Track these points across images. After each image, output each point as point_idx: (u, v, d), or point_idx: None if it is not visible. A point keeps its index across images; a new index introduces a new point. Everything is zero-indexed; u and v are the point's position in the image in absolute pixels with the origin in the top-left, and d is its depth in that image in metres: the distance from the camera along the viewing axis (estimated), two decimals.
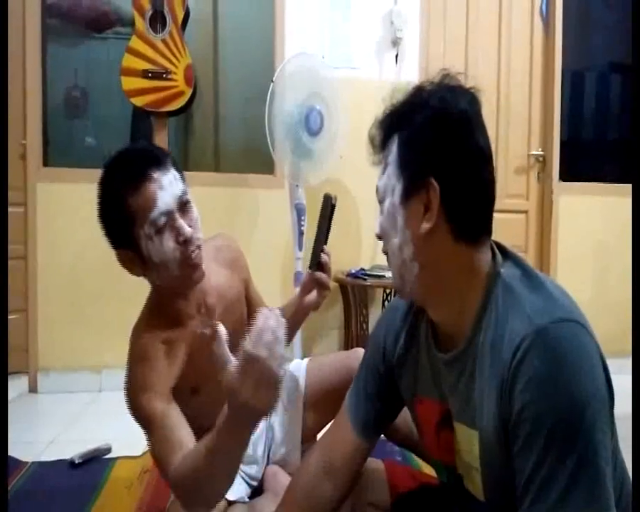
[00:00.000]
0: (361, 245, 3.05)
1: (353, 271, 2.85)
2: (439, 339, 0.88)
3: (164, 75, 2.73)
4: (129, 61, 2.71)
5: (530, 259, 3.28)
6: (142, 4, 2.72)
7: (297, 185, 2.68)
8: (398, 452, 1.85)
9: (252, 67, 3.18)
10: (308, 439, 1.42)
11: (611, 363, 0.73)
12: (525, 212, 3.36)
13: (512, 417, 0.71)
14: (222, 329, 0.80)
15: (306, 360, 1.52)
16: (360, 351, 1.35)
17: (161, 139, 2.87)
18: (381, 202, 0.87)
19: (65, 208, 2.75)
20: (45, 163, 2.81)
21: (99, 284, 2.77)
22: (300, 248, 2.70)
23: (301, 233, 2.69)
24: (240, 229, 2.84)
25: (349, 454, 0.98)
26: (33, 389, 2.74)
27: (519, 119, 3.31)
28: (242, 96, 3.22)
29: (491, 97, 3.19)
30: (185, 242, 1.08)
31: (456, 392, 0.83)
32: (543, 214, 3.34)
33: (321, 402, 1.40)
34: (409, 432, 1.28)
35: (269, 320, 0.75)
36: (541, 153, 3.32)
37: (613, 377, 0.72)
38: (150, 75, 2.71)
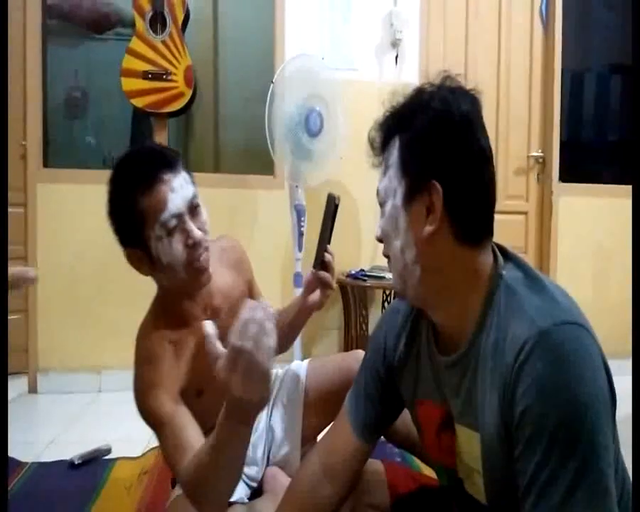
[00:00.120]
0: (361, 246, 3.05)
1: (353, 272, 2.85)
2: (441, 341, 0.88)
3: (164, 76, 2.73)
4: (130, 62, 2.71)
5: (529, 260, 3.28)
6: (142, 5, 2.72)
7: (297, 186, 2.68)
8: (398, 454, 1.85)
9: (252, 69, 3.18)
10: (308, 440, 1.42)
11: (610, 364, 0.73)
12: (525, 213, 3.36)
13: (514, 419, 0.71)
14: (209, 326, 0.79)
15: (306, 361, 1.52)
16: (360, 352, 1.35)
17: (161, 140, 2.87)
18: (382, 204, 0.86)
19: (65, 208, 2.76)
20: (46, 164, 2.81)
21: (99, 285, 2.77)
22: (300, 249, 2.70)
23: (300, 234, 2.70)
24: (239, 230, 2.84)
25: (349, 456, 0.98)
26: (32, 389, 2.73)
27: (519, 120, 3.31)
28: (242, 97, 3.23)
29: (490, 98, 3.19)
30: (194, 245, 1.08)
31: (457, 394, 0.83)
32: (543, 215, 3.34)
33: (321, 403, 1.40)
34: (409, 433, 1.28)
35: (255, 311, 0.75)
36: (541, 154, 3.32)
37: (613, 378, 0.72)
38: (150, 76, 2.72)
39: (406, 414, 1.01)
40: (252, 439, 1.26)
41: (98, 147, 3.14)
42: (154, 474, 1.82)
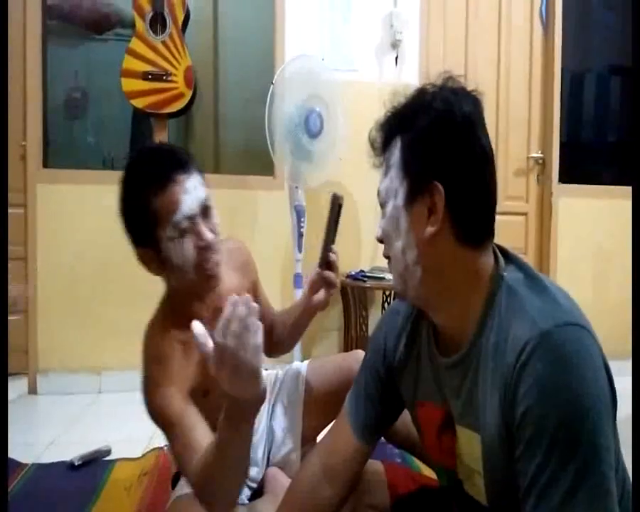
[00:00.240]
0: (361, 247, 3.05)
1: (353, 273, 2.85)
2: (441, 343, 0.88)
3: (164, 77, 2.73)
4: (130, 63, 2.71)
5: (529, 260, 3.28)
6: (142, 6, 2.72)
7: (297, 187, 2.69)
8: (398, 454, 1.85)
9: (251, 69, 3.18)
10: (308, 440, 1.42)
11: (610, 365, 0.73)
12: (525, 214, 3.36)
13: (515, 420, 0.71)
14: (197, 327, 0.78)
15: (306, 361, 1.52)
16: (360, 353, 1.35)
17: (161, 140, 2.87)
18: (383, 205, 0.86)
19: (65, 209, 2.75)
20: (45, 165, 2.81)
21: (99, 285, 2.77)
22: (300, 250, 2.70)
23: (300, 235, 2.70)
24: (239, 230, 2.84)
25: (349, 457, 0.98)
26: (32, 390, 2.73)
27: (519, 121, 3.31)
28: (242, 98, 3.23)
29: (490, 99, 3.19)
30: (205, 248, 1.09)
31: (458, 395, 0.83)
32: (543, 216, 3.34)
33: (321, 404, 1.40)
34: (409, 433, 1.28)
35: (237, 308, 0.74)
36: (541, 155, 3.32)
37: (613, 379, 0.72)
38: (150, 76, 2.72)
39: (406, 415, 1.01)
40: (253, 439, 1.26)
41: (98, 148, 3.14)
42: (154, 475, 1.82)
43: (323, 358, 1.57)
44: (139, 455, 1.98)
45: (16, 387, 2.69)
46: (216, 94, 3.23)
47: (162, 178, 1.06)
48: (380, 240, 0.88)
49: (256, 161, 3.03)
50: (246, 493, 1.33)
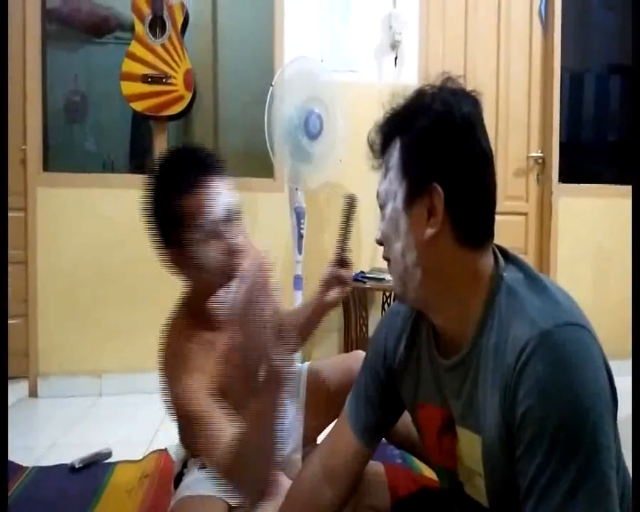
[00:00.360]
0: (361, 248, 3.05)
1: (353, 274, 2.84)
2: (441, 344, 0.88)
3: (164, 80, 2.74)
4: (129, 66, 2.71)
5: (529, 261, 3.27)
6: (142, 9, 2.73)
7: (297, 189, 2.69)
8: (399, 455, 1.85)
9: (251, 71, 3.18)
10: (309, 441, 1.42)
11: (610, 365, 0.73)
12: (525, 214, 3.36)
13: (515, 420, 0.71)
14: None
15: (306, 363, 1.52)
16: (360, 353, 1.35)
17: (161, 143, 2.87)
18: (382, 207, 0.86)
19: (64, 212, 2.75)
20: (45, 168, 2.81)
21: (99, 289, 2.77)
22: (300, 251, 2.70)
23: (300, 236, 2.70)
24: None
25: (349, 459, 0.98)
26: (33, 393, 2.73)
27: (518, 121, 3.31)
28: (241, 100, 3.23)
29: (490, 100, 3.19)
30: (232, 252, 1.10)
31: (458, 397, 0.83)
32: (543, 216, 3.34)
33: (322, 405, 1.40)
34: (409, 434, 1.28)
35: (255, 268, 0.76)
36: (540, 155, 3.32)
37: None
38: (150, 79, 2.72)
39: (406, 415, 1.01)
40: None
41: (98, 151, 3.14)
42: (155, 477, 1.81)
43: (323, 360, 1.57)
44: (140, 457, 1.98)
45: (16, 391, 2.69)
46: (216, 97, 3.23)
47: (193, 180, 1.08)
48: (380, 242, 0.88)
49: (256, 163, 3.02)
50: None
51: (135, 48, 2.72)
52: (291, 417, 1.43)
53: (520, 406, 0.70)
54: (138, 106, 2.74)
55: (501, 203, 3.22)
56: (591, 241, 3.27)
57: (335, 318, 3.03)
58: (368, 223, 2.99)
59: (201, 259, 1.09)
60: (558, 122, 3.27)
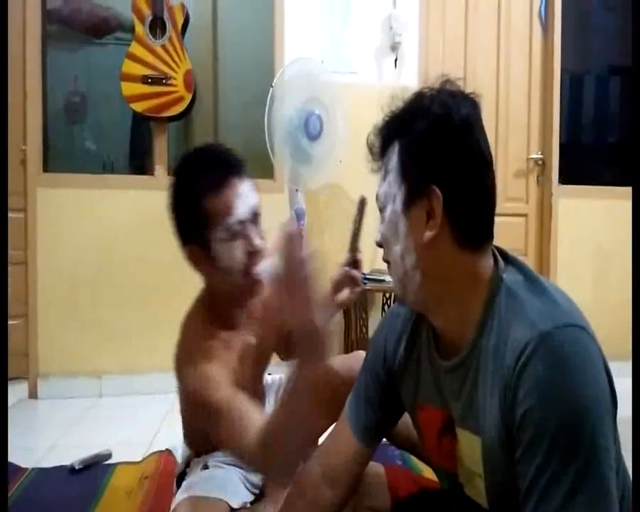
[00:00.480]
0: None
1: None
2: (441, 346, 0.88)
3: (164, 81, 2.74)
4: (129, 67, 2.71)
5: (529, 262, 3.28)
6: (142, 10, 2.73)
7: (297, 190, 2.69)
8: (399, 456, 1.85)
9: (251, 72, 3.18)
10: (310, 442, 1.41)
11: (610, 366, 0.73)
12: (525, 215, 3.36)
13: (515, 421, 0.71)
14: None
15: None
16: (361, 353, 1.35)
17: (161, 144, 2.87)
18: (382, 210, 0.86)
19: (64, 213, 2.75)
20: (45, 169, 2.81)
21: (99, 290, 2.77)
22: None
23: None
24: None
25: (349, 460, 0.98)
26: (32, 394, 2.73)
27: (518, 122, 3.31)
28: (241, 101, 3.23)
29: (490, 101, 3.19)
30: (254, 253, 1.12)
31: (458, 398, 0.83)
32: (543, 217, 3.34)
33: (323, 406, 1.40)
34: (409, 434, 1.28)
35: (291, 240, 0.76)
36: (540, 156, 3.32)
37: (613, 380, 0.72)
38: (150, 80, 2.72)
39: (407, 415, 1.01)
40: None
41: (98, 152, 3.14)
42: (155, 479, 1.81)
43: None
44: (140, 459, 1.97)
45: (16, 392, 2.68)
46: (216, 98, 3.23)
47: (219, 181, 1.09)
48: (380, 245, 0.88)
49: (256, 164, 3.02)
50: (249, 498, 1.33)
51: (135, 48, 2.73)
52: None
53: (519, 407, 0.70)
54: (138, 107, 2.74)
55: (501, 205, 3.22)
56: (591, 242, 3.27)
57: (335, 319, 3.02)
58: (368, 224, 2.98)
59: (224, 259, 1.11)
60: (558, 124, 3.27)
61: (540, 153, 3.33)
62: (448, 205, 0.77)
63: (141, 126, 3.04)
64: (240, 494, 1.26)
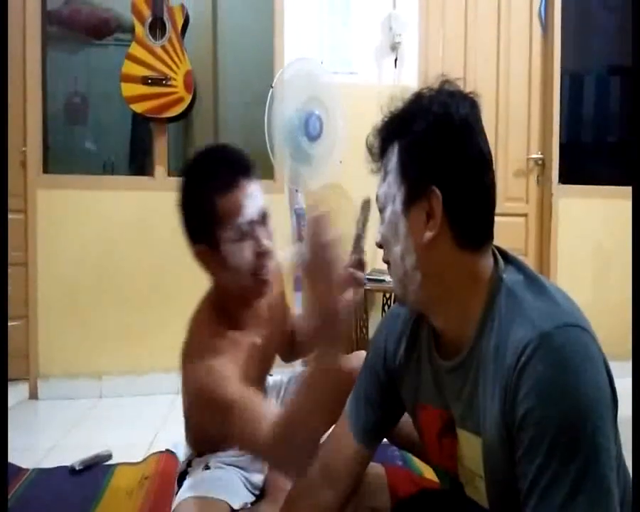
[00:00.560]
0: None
1: None
2: (441, 346, 0.88)
3: (164, 82, 2.74)
4: (129, 68, 2.71)
5: (529, 262, 3.28)
6: (142, 11, 2.73)
7: (297, 190, 2.69)
8: (399, 457, 1.85)
9: (251, 73, 3.18)
10: None
11: (611, 366, 0.73)
12: (525, 215, 3.36)
13: (515, 422, 0.71)
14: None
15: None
16: (361, 353, 1.35)
17: (161, 145, 2.87)
18: (381, 210, 0.86)
19: (65, 214, 2.75)
20: (45, 170, 2.81)
21: (99, 291, 2.77)
22: None
23: (300, 238, 2.70)
24: None
25: (349, 460, 0.98)
26: (33, 395, 2.73)
27: (518, 122, 3.31)
28: (241, 101, 3.23)
29: (490, 101, 3.19)
30: (262, 254, 1.13)
31: (459, 398, 0.83)
32: (543, 217, 3.34)
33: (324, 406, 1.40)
34: (409, 433, 1.28)
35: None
36: (540, 156, 3.32)
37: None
38: (150, 81, 2.72)
39: (406, 415, 1.01)
40: None
41: (98, 153, 3.15)
42: (155, 479, 1.81)
43: None
44: (140, 459, 1.97)
45: (16, 393, 2.68)
46: (216, 98, 3.23)
47: (229, 181, 1.11)
48: (380, 245, 0.88)
49: (256, 164, 3.02)
50: (250, 499, 1.33)
51: (135, 49, 2.73)
52: None
53: (520, 407, 0.70)
54: (138, 107, 2.74)
55: (501, 205, 3.22)
56: (591, 242, 3.27)
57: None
58: (368, 225, 2.99)
59: (233, 259, 1.12)
60: (558, 123, 3.27)
61: (540, 153, 3.33)
62: (448, 205, 0.77)
63: (141, 127, 3.04)
64: (240, 494, 1.26)
